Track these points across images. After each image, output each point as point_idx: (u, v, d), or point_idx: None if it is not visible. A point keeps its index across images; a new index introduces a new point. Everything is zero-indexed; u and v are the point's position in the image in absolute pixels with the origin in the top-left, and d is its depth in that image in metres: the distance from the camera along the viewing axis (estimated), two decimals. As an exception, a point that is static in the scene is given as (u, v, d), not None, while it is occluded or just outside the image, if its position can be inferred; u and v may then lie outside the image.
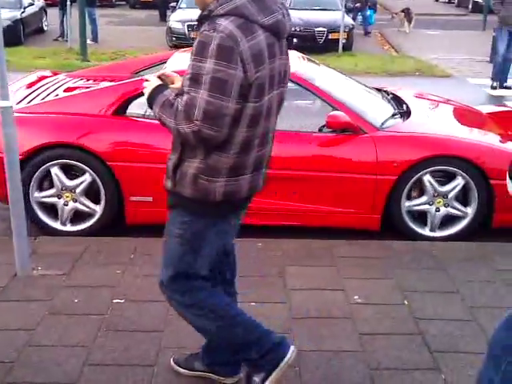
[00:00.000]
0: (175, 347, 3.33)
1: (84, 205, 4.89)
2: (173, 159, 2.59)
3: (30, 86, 5.69)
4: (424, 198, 4.81)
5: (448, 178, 4.80)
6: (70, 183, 4.84)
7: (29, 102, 5.13)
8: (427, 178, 4.73)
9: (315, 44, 15.46)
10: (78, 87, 5.56)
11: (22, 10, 16.82)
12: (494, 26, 12.29)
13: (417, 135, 4.90)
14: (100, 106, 4.93)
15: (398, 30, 19.99)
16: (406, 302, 3.77)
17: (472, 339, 3.39)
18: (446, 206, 4.82)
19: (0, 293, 3.89)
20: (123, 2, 28.20)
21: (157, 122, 4.88)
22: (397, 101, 5.69)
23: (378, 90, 5.99)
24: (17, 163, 3.99)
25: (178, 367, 3.13)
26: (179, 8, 17.32)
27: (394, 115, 5.20)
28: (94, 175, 4.78)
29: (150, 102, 2.52)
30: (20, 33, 16.32)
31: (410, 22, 19.79)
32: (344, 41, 15.60)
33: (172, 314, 3.58)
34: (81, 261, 4.33)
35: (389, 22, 22.32)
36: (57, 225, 4.93)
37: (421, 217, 4.91)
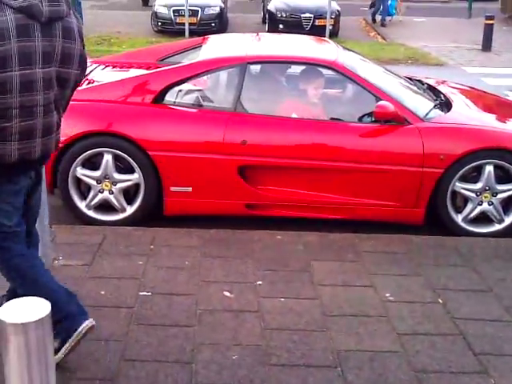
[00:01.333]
0: (210, 343, 3.27)
1: (118, 201, 4.77)
2: None
3: None
4: (478, 186, 4.71)
5: (501, 177, 4.73)
6: (116, 175, 4.70)
7: None
8: (488, 168, 4.64)
9: (301, 30, 15.36)
10: (110, 74, 5.44)
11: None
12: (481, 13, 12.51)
13: (464, 127, 4.80)
14: (139, 94, 4.82)
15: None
16: (440, 301, 3.75)
17: (516, 341, 3.38)
18: (489, 204, 4.77)
19: (21, 283, 3.77)
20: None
21: (195, 110, 4.86)
22: (432, 91, 5.62)
23: (410, 79, 5.88)
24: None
25: None
26: (164, -8, 17.04)
27: (435, 106, 5.10)
28: (142, 175, 4.66)
29: None
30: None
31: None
32: (331, 27, 15.56)
33: (202, 309, 3.56)
34: (101, 251, 4.24)
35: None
36: (82, 205, 4.80)
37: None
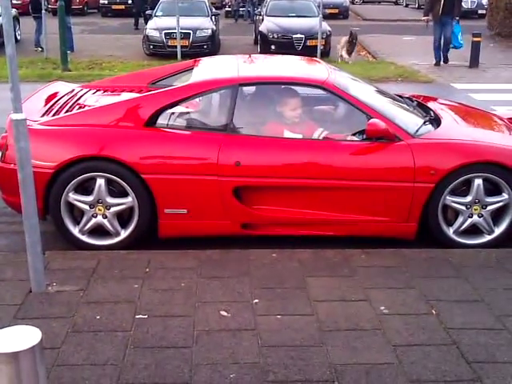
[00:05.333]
0: (207, 363, 3.28)
1: (112, 225, 4.77)
2: None
3: (49, 98, 5.58)
4: (468, 199, 4.76)
5: (490, 189, 4.78)
6: (109, 200, 4.71)
7: (54, 115, 5.02)
8: (477, 182, 4.69)
9: (293, 50, 15.47)
10: (101, 99, 5.49)
11: (-6, 20, 16.53)
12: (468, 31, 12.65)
13: (453, 142, 4.85)
14: (131, 118, 4.85)
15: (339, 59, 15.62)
16: (433, 312, 3.77)
17: (508, 348, 3.40)
18: (479, 216, 4.81)
19: (17, 311, 3.79)
20: (95, 11, 27.98)
21: (188, 132, 4.81)
22: (422, 107, 5.68)
23: (400, 96, 5.96)
24: (30, 177, 3.90)
25: None
26: (155, 16, 17.22)
27: (425, 122, 5.16)
28: (135, 199, 4.67)
29: None
30: (-8, 43, 16.04)
31: (351, 51, 15.74)
32: (322, 47, 15.68)
33: (199, 330, 3.57)
34: (95, 275, 4.25)
35: (362, 29, 22.55)
36: (75, 230, 4.80)
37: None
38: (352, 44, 15.63)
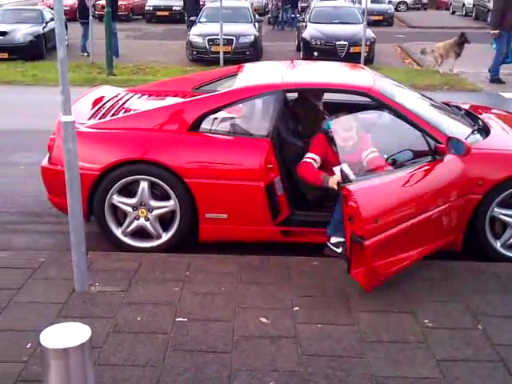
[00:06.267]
0: (246, 369, 3.27)
1: (154, 228, 4.81)
2: None
3: (95, 101, 5.66)
4: None
5: None
6: (152, 202, 4.75)
7: (100, 118, 5.09)
8: None
9: (336, 57, 15.39)
10: (146, 103, 5.53)
11: (44, 24, 16.90)
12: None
13: (503, 152, 4.73)
14: (175, 122, 4.88)
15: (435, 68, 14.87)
16: (479, 327, 3.68)
17: (559, 368, 3.30)
18: None
19: (61, 309, 3.83)
20: (140, 17, 28.33)
21: (231, 137, 4.64)
22: (470, 116, 5.54)
23: (447, 104, 5.81)
24: (77, 178, 3.95)
25: None
26: (199, 22, 17.34)
27: (473, 131, 5.00)
28: (177, 202, 4.69)
29: None
30: (42, 48, 16.42)
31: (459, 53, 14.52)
32: (365, 54, 15.57)
33: (239, 335, 3.55)
34: (137, 277, 4.28)
35: (407, 36, 22.36)
36: (118, 232, 4.84)
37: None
38: (461, 46, 14.27)
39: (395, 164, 4.48)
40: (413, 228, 4.08)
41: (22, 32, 16.07)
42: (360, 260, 3.87)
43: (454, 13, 33.93)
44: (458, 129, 4.99)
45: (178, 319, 3.74)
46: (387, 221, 3.92)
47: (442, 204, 4.32)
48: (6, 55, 15.66)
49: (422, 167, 4.33)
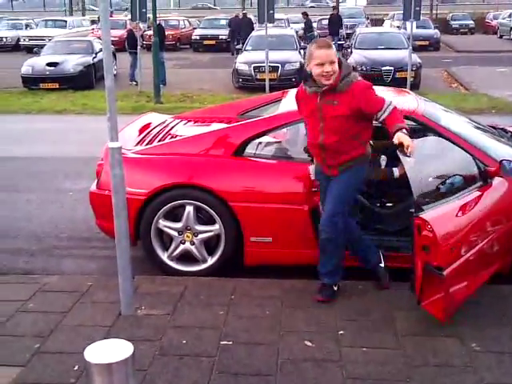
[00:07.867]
0: (291, 393, 3.25)
1: (199, 252, 4.86)
2: None
3: (143, 128, 5.81)
4: None
5: None
6: (197, 227, 4.81)
7: (147, 144, 5.22)
8: None
9: (382, 83, 15.35)
10: (192, 129, 5.63)
11: (94, 55, 17.42)
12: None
13: None
14: (220, 147, 4.96)
15: None
16: (530, 352, 3.59)
17: None
18: None
19: (107, 332, 3.90)
20: (187, 46, 28.93)
21: (275, 161, 4.71)
22: None
23: (494, 127, 5.73)
24: (124, 203, 4.03)
25: None
26: (245, 50, 17.64)
27: None
28: (222, 226, 4.74)
29: None
30: (92, 77, 16.92)
31: None
32: (411, 79, 15.48)
33: (283, 358, 3.54)
34: (182, 301, 4.32)
35: (454, 60, 22.17)
36: (164, 256, 4.91)
37: None
38: None
39: (451, 191, 4.39)
40: (482, 252, 4.03)
41: (72, 62, 16.61)
42: (434, 290, 3.77)
43: (501, 37, 33.52)
44: (505, 151, 4.92)
45: (222, 342, 3.76)
46: (461, 248, 3.87)
47: (501, 225, 4.26)
48: (57, 85, 16.20)
49: (478, 191, 4.25)
